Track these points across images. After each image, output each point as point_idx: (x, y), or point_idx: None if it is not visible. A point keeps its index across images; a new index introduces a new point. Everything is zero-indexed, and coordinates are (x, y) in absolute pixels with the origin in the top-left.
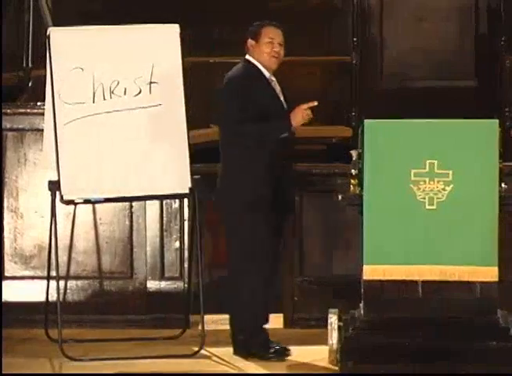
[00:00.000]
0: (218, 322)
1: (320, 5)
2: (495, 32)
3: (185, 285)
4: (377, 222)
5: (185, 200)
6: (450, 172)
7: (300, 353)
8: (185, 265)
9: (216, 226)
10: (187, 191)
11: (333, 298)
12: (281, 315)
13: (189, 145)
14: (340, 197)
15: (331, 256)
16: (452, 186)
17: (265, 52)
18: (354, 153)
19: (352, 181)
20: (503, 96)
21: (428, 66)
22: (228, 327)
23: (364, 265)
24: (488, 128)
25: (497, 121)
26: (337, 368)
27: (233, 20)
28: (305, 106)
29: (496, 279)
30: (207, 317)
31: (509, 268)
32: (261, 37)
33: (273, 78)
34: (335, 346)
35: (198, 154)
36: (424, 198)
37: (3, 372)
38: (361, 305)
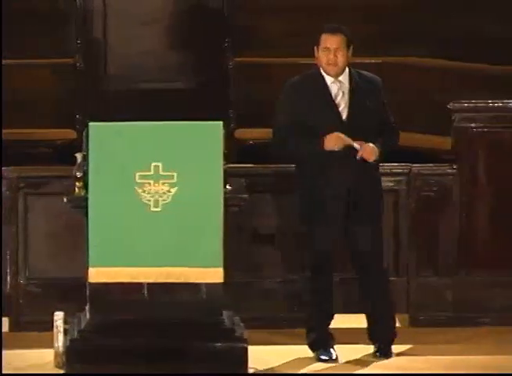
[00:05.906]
0: None
1: (45, 8)
2: (219, 34)
3: None
4: (102, 224)
5: None
6: (175, 174)
7: (25, 357)
8: None
9: None
10: None
11: (60, 301)
12: (7, 318)
13: None
14: (65, 200)
15: (58, 258)
16: (176, 188)
17: (322, 60)
18: (79, 155)
19: (77, 183)
20: (228, 98)
21: (154, 68)
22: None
23: (89, 268)
24: (212, 130)
25: (221, 122)
26: (62, 371)
27: None
28: (342, 136)
29: (222, 280)
30: None
31: (235, 268)
32: (319, 45)
33: (338, 84)
34: (61, 349)
35: None
36: (149, 200)
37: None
38: (87, 307)
